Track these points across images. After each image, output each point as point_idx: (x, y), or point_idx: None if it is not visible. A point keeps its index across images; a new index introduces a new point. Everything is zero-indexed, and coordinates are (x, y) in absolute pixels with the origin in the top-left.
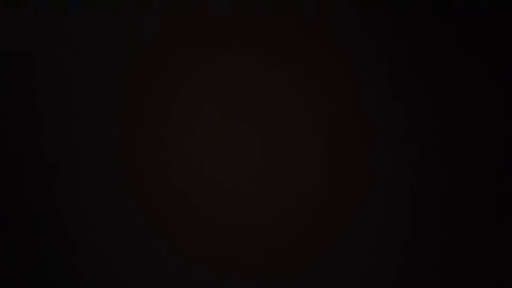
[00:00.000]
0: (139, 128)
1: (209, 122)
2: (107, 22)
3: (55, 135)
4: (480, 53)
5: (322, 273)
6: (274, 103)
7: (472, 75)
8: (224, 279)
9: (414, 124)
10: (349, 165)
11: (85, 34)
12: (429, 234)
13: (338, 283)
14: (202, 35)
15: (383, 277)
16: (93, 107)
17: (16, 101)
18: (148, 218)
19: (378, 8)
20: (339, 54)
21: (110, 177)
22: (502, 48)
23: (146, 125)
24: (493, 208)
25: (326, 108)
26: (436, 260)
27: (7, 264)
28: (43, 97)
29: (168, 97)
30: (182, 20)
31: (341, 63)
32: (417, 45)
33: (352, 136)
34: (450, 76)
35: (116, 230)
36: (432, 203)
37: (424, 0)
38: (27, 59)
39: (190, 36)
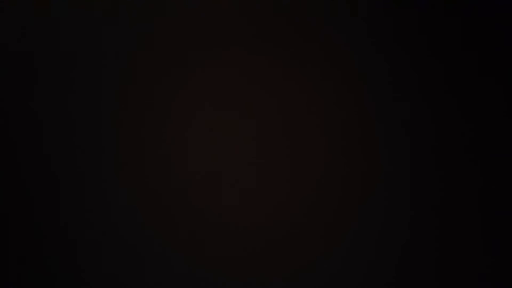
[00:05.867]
0: (140, 129)
1: (209, 122)
2: (107, 22)
3: (55, 135)
4: (480, 53)
5: (322, 273)
6: (274, 103)
7: (472, 75)
8: (224, 279)
9: (414, 124)
10: (349, 165)
11: (85, 34)
12: (429, 234)
13: (338, 283)
14: (202, 35)
15: (383, 277)
16: (93, 107)
17: (16, 102)
18: (148, 218)
19: (377, 8)
20: (339, 54)
21: (111, 177)
22: (502, 48)
23: (146, 126)
24: (493, 208)
25: (325, 107)
26: (435, 260)
27: (8, 265)
28: (43, 97)
29: (168, 97)
30: (182, 20)
31: (341, 63)
32: (417, 45)
33: (352, 136)
34: (451, 76)
35: (117, 230)
36: (432, 203)
37: (424, 0)
38: (27, 59)
39: (190, 36)
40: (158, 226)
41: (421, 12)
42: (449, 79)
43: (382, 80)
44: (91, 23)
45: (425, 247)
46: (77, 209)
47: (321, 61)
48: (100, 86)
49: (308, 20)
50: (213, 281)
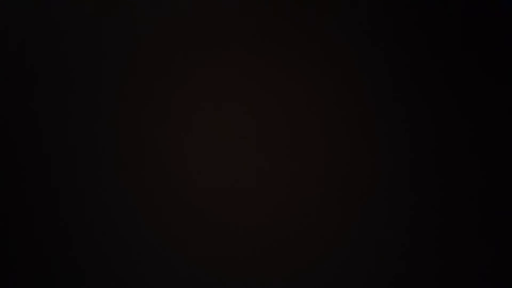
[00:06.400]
0: (139, 128)
1: (209, 122)
2: (106, 21)
3: (55, 135)
4: (480, 53)
5: (322, 273)
6: (274, 103)
7: (472, 75)
8: (224, 279)
9: (414, 124)
10: (350, 165)
11: (85, 34)
12: (429, 233)
13: (339, 283)
14: (202, 35)
15: (383, 276)
16: (93, 107)
17: (16, 102)
18: (147, 218)
19: (377, 8)
20: (340, 54)
21: (110, 177)
22: (502, 48)
23: (146, 126)
24: (493, 208)
25: (326, 107)
26: (436, 260)
27: (8, 265)
28: (43, 97)
29: (168, 97)
30: (182, 20)
31: (342, 63)
32: (417, 45)
33: (353, 136)
34: (451, 76)
35: (116, 229)
36: (433, 203)
37: (424, 0)
38: (27, 59)
39: (190, 36)
40: (158, 226)
41: (421, 12)
42: (449, 79)
43: (382, 80)
44: (91, 23)
45: (426, 247)
46: (77, 209)
47: (321, 61)
48: (100, 86)
49: (308, 20)
50: (213, 281)
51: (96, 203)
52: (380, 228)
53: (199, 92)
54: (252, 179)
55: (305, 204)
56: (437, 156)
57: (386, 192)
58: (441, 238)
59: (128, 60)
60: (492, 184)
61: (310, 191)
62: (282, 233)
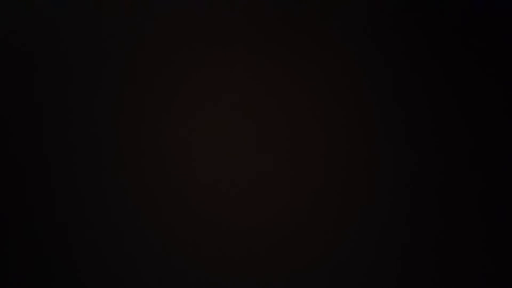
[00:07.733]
0: (139, 128)
1: (209, 122)
2: (106, 21)
3: (54, 134)
4: (480, 53)
5: (323, 274)
6: (274, 102)
7: (472, 75)
8: (223, 279)
9: (414, 124)
10: (350, 165)
11: (84, 33)
12: (430, 234)
13: (339, 283)
14: (202, 34)
15: (383, 277)
16: (93, 106)
17: (16, 101)
18: (148, 218)
19: (378, 8)
20: (339, 54)
21: (110, 177)
22: (502, 48)
23: (146, 125)
24: (493, 208)
25: (326, 107)
26: (436, 260)
27: (7, 265)
28: (42, 97)
29: (168, 96)
30: (182, 20)
31: (341, 63)
32: (417, 45)
33: (353, 136)
34: (451, 76)
35: (116, 230)
36: (432, 203)
37: (424, 0)
38: (27, 58)
39: (190, 36)
40: (158, 226)
41: (421, 12)
42: (449, 79)
43: (382, 80)
44: (91, 23)
45: (426, 248)
46: (76, 209)
47: (322, 61)
48: (100, 85)
49: (309, 20)
50: (213, 282)
51: (96, 203)
52: (379, 229)
53: (199, 92)
54: (252, 179)
55: (305, 205)
56: (436, 156)
57: (385, 192)
58: (441, 239)
59: (128, 60)
60: (492, 185)
61: (309, 191)
62: (281, 233)
